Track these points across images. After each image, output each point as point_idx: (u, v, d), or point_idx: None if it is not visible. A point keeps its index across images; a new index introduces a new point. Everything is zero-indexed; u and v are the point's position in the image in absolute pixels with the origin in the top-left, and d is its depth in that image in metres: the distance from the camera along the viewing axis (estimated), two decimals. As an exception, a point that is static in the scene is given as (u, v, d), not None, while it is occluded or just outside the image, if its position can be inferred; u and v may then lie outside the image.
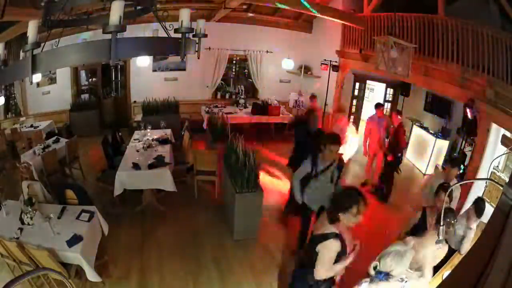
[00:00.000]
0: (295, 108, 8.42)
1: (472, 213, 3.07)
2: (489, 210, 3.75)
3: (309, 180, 3.38)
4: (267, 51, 8.62)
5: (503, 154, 3.93)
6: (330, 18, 6.38)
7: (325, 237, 2.11)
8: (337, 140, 3.22)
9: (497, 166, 4.36)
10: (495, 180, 3.92)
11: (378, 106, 5.61)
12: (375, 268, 2.15)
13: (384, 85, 8.45)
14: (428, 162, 6.49)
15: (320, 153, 3.27)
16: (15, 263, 3.03)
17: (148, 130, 5.72)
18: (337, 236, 2.10)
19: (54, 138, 5.90)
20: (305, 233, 3.66)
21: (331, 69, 7.49)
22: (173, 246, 4.04)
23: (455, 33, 4.50)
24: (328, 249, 2.09)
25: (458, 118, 6.09)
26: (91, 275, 3.01)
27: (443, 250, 2.61)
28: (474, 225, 3.06)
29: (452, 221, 2.53)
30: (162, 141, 5.53)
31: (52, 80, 7.41)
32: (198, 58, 2.26)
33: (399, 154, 5.23)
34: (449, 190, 2.22)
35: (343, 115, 6.58)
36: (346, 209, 2.08)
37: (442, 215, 2.05)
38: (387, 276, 2.10)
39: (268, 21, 8.45)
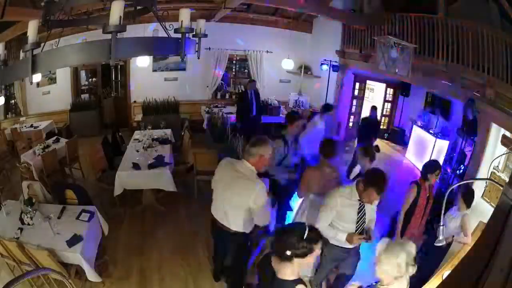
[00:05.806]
0: (295, 108, 8.41)
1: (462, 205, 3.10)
2: (489, 210, 3.76)
3: None
4: (267, 51, 8.61)
5: (503, 154, 3.93)
6: (330, 18, 6.38)
7: None
8: None
9: (497, 166, 4.35)
10: (495, 180, 3.91)
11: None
12: None
13: (384, 85, 8.44)
14: (428, 162, 6.47)
15: None
16: (15, 263, 3.03)
17: (148, 130, 5.72)
18: None
19: (54, 138, 5.90)
20: None
21: (331, 69, 7.49)
22: (173, 246, 4.04)
23: (455, 33, 4.50)
24: None
25: (458, 118, 6.08)
26: (91, 275, 3.01)
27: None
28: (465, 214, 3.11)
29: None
30: (162, 141, 5.52)
31: (52, 80, 7.41)
32: (198, 58, 2.26)
33: None
34: (449, 189, 2.21)
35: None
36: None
37: (442, 215, 2.04)
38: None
39: (268, 21, 8.43)
